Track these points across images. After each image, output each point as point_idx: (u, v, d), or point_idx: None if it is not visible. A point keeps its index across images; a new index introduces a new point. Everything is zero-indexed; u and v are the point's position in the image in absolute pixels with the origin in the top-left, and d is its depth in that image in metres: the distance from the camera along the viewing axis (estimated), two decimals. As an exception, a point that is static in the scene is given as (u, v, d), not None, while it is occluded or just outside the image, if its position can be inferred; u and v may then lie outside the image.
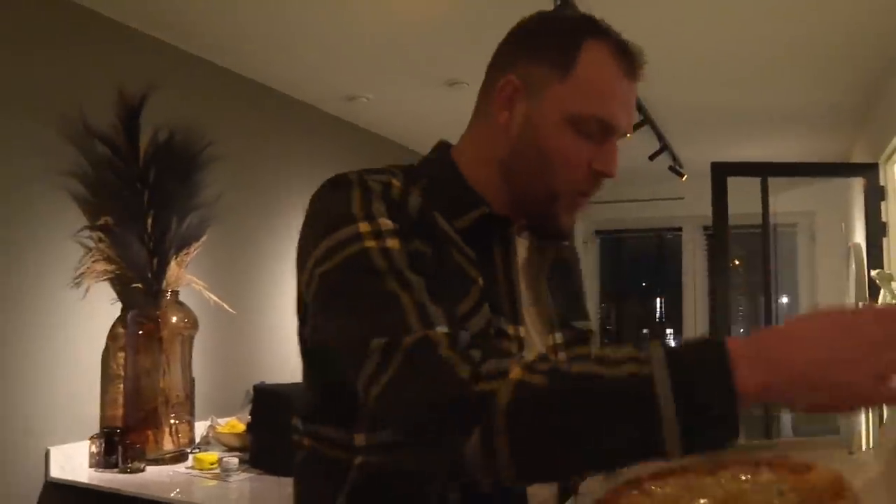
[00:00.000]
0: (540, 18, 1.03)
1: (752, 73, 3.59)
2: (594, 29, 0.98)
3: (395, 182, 0.93)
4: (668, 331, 7.04)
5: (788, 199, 5.27)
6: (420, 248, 0.87)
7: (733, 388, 0.64)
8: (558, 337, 1.03)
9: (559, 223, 1.00)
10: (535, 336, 1.00)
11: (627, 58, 0.98)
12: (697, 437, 0.66)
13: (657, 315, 7.19)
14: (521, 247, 1.04)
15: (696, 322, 6.39)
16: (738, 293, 6.54)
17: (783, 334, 0.67)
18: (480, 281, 0.92)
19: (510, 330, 0.94)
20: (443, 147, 1.07)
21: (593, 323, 1.14)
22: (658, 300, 7.14)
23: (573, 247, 1.21)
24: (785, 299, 6.35)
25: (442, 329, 0.78)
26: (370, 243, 0.84)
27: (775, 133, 4.77)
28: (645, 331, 7.30)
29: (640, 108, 3.97)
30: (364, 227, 0.86)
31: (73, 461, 2.69)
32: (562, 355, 1.02)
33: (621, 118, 0.97)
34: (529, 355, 0.81)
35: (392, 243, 0.85)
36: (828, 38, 3.15)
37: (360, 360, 0.79)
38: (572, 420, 0.70)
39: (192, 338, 2.94)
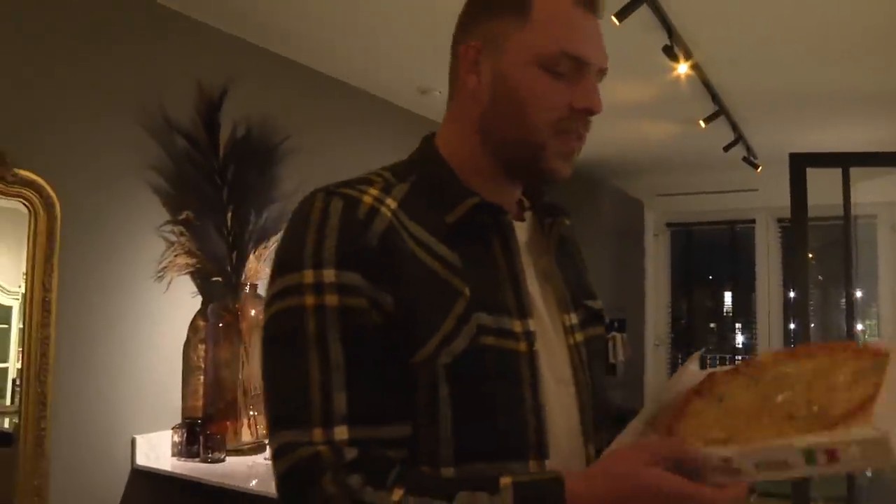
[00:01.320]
0: None
1: (831, 54, 3.46)
2: None
3: (368, 197, 0.91)
4: (737, 325, 6.89)
5: (868, 189, 5.08)
6: (354, 303, 0.86)
7: None
8: (573, 317, 1.02)
9: (551, 168, 0.97)
10: (548, 322, 0.99)
11: None
12: None
13: (724, 309, 7.04)
14: (521, 231, 1.02)
15: (769, 315, 6.23)
16: (811, 287, 6.36)
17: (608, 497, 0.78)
18: (467, 291, 0.90)
19: (517, 327, 0.92)
20: (428, 139, 1.07)
21: (600, 302, 1.12)
22: (727, 293, 6.99)
23: (571, 225, 1.18)
24: (859, 293, 6.14)
25: (339, 435, 0.82)
26: (308, 300, 0.85)
27: (855, 118, 4.58)
28: (712, 325, 7.16)
29: (715, 98, 3.89)
30: (308, 276, 0.86)
31: (157, 450, 2.76)
32: (578, 336, 1.01)
33: (589, 50, 0.95)
34: (540, 345, 0.93)
35: (330, 300, 0.85)
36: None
37: (269, 436, 0.87)
38: None
39: (270, 332, 2.98)
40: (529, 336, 0.94)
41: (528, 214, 1.07)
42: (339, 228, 0.88)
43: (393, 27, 3.11)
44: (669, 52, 3.00)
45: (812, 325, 6.33)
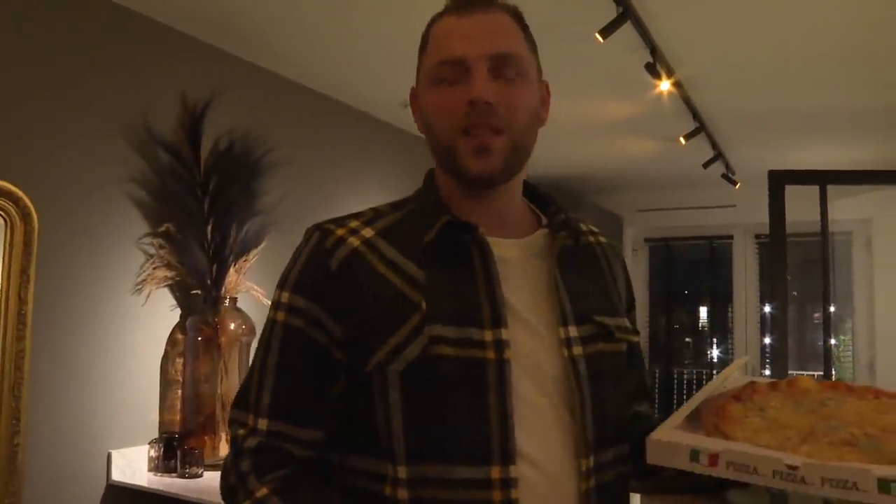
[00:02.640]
0: None
1: (810, 75, 3.52)
2: (446, 7, 1.08)
3: (342, 229, 1.05)
4: (713, 339, 6.92)
5: (843, 206, 5.14)
6: (298, 324, 1.02)
7: None
8: (573, 330, 1.02)
9: (465, 167, 1.02)
10: (537, 332, 1.01)
11: (460, 4, 1.05)
12: None
13: (700, 324, 7.08)
14: (512, 248, 1.05)
15: (746, 331, 6.29)
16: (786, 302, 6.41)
17: None
18: (423, 305, 0.97)
19: (487, 336, 0.96)
20: (430, 173, 1.15)
21: (625, 321, 1.13)
22: (702, 309, 7.04)
23: (612, 244, 1.21)
24: (832, 308, 6.21)
25: (261, 425, 1.01)
26: (276, 314, 1.05)
27: (833, 137, 4.66)
28: (688, 340, 7.19)
29: (696, 116, 3.93)
30: (276, 295, 1.06)
31: (134, 465, 2.72)
32: (577, 349, 1.02)
33: (462, 47, 1.01)
34: (517, 353, 0.97)
35: (280, 316, 1.04)
36: (890, 40, 3.07)
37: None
38: None
39: (249, 344, 2.96)
40: (500, 344, 0.96)
41: (540, 232, 1.10)
42: (306, 258, 1.05)
43: (375, 42, 3.11)
44: (652, 70, 3.03)
45: (790, 340, 6.40)
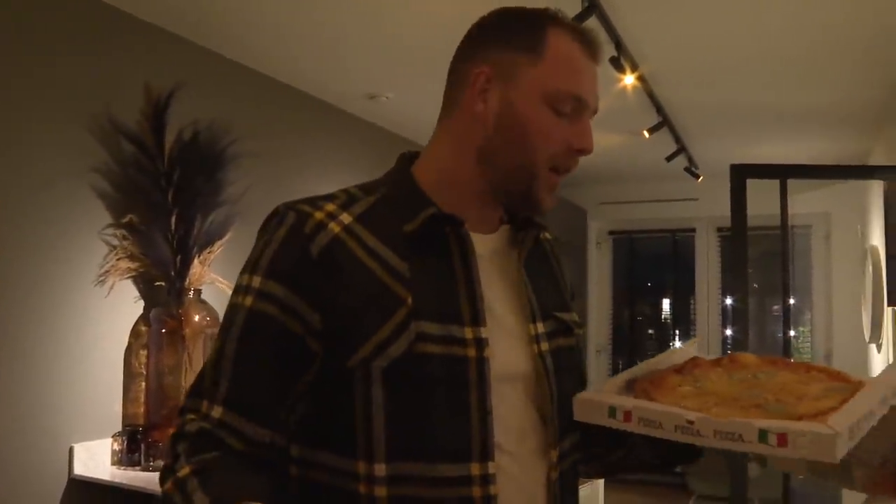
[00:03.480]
0: (501, 12, 1.07)
1: (770, 73, 3.59)
2: (554, 17, 1.05)
3: (321, 213, 0.99)
4: (676, 331, 7.03)
5: (803, 200, 5.24)
6: (270, 311, 0.96)
7: None
8: (540, 327, 1.05)
9: (539, 199, 1.03)
10: (511, 330, 1.03)
11: (587, 41, 1.04)
12: None
13: (663, 315, 7.17)
14: (487, 242, 1.06)
15: (708, 322, 6.39)
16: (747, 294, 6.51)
17: None
18: (410, 300, 0.95)
19: (468, 334, 0.97)
20: (404, 158, 1.12)
21: (575, 316, 1.16)
22: (665, 301, 7.13)
23: (557, 239, 1.23)
24: (792, 301, 6.31)
25: (215, 413, 0.94)
26: (239, 298, 0.98)
27: (793, 133, 4.76)
28: (650, 332, 7.29)
29: (659, 110, 3.98)
30: (245, 279, 0.99)
31: (97, 458, 2.70)
32: (544, 345, 1.04)
33: (591, 95, 1.03)
34: (493, 351, 0.97)
35: (250, 302, 0.97)
36: (849, 38, 3.14)
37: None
38: None
39: (213, 336, 2.94)
40: (480, 343, 0.97)
41: (503, 228, 1.10)
42: (282, 241, 0.98)
43: (343, 34, 3.10)
44: (616, 64, 3.06)
45: (750, 332, 6.51)
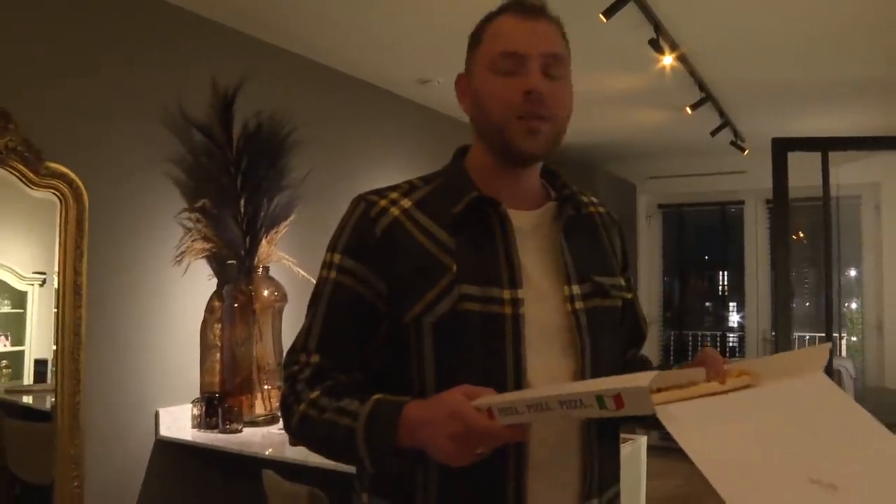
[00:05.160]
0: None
1: (813, 46, 3.64)
2: (501, 8, 1.22)
3: (385, 200, 1.21)
4: (732, 304, 7.05)
5: (852, 170, 5.26)
6: (347, 281, 1.19)
7: (392, 443, 1.04)
8: (575, 289, 1.20)
9: (517, 145, 1.17)
10: (545, 291, 1.19)
11: (521, 8, 1.20)
12: (379, 464, 1.08)
13: (720, 289, 7.19)
14: (528, 218, 1.22)
15: (757, 295, 6.43)
16: (804, 266, 6.52)
17: (422, 421, 1.02)
18: (454, 268, 1.14)
19: (506, 295, 1.14)
20: (458, 151, 1.31)
21: (620, 280, 1.30)
22: (721, 274, 7.16)
23: (609, 213, 1.39)
24: (853, 272, 6.30)
25: (313, 359, 1.18)
26: (324, 272, 1.21)
27: (838, 105, 4.76)
28: (708, 304, 7.33)
29: (702, 87, 4.07)
30: (328, 256, 1.22)
31: (179, 422, 2.97)
32: (579, 304, 1.19)
33: (522, 44, 1.17)
34: (529, 309, 1.15)
35: (333, 275, 1.20)
36: (891, 11, 3.18)
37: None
38: (318, 446, 1.18)
39: (281, 310, 3.19)
40: (517, 302, 1.14)
41: (549, 205, 1.27)
42: (354, 225, 1.21)
43: (394, 22, 3.29)
44: (655, 46, 3.18)
45: (808, 304, 6.51)
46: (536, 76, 1.16)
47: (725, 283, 7.10)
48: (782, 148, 4.00)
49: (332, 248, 1.22)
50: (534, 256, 1.20)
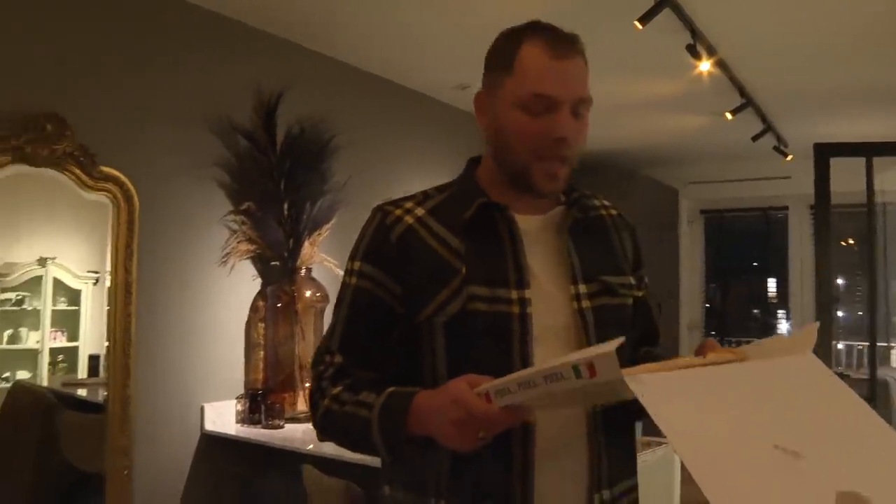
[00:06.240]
0: (498, 37, 1.29)
1: (857, 49, 3.61)
2: (531, 31, 1.24)
3: (400, 210, 1.28)
4: (780, 311, 6.94)
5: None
6: (367, 286, 1.26)
7: (404, 432, 1.12)
8: (582, 288, 1.25)
9: (537, 185, 1.23)
10: (554, 289, 1.24)
11: (555, 43, 1.22)
12: (393, 452, 1.16)
13: (769, 295, 7.06)
14: (534, 222, 1.28)
15: (802, 302, 6.35)
16: (857, 274, 6.39)
17: (429, 409, 1.09)
18: (464, 270, 1.20)
19: (513, 295, 1.20)
20: (470, 161, 1.38)
21: (629, 279, 1.34)
22: (771, 280, 7.05)
23: (622, 215, 1.43)
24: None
25: (336, 358, 1.27)
26: (346, 279, 1.30)
27: (884, 109, 4.71)
28: (756, 311, 7.23)
29: (742, 92, 4.07)
30: (349, 264, 1.30)
31: (223, 417, 3.08)
32: (585, 303, 1.24)
33: (557, 89, 1.20)
34: (536, 308, 1.20)
35: (354, 281, 1.28)
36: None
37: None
38: (340, 437, 1.25)
39: (323, 310, 3.28)
40: (524, 302, 1.20)
41: (558, 209, 1.32)
42: (371, 234, 1.29)
43: (433, 28, 3.36)
44: (693, 51, 3.20)
45: (860, 313, 6.39)
46: (568, 122, 1.20)
47: (771, 289, 7.01)
48: (824, 154, 3.97)
49: (352, 257, 1.30)
50: (541, 258, 1.26)
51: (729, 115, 4.18)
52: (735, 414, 0.93)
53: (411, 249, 1.24)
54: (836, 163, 4.00)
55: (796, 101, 4.47)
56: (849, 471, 0.92)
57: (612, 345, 0.88)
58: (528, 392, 0.97)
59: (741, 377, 1.02)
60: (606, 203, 1.43)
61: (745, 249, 7.27)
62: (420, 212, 1.28)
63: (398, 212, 1.28)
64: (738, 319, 7.21)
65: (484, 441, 1.05)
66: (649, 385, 0.90)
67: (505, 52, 1.25)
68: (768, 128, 4.74)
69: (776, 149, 5.15)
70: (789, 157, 5.31)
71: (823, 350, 3.85)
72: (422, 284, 1.22)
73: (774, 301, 6.98)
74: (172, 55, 2.96)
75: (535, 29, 1.25)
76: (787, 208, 6.46)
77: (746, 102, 4.16)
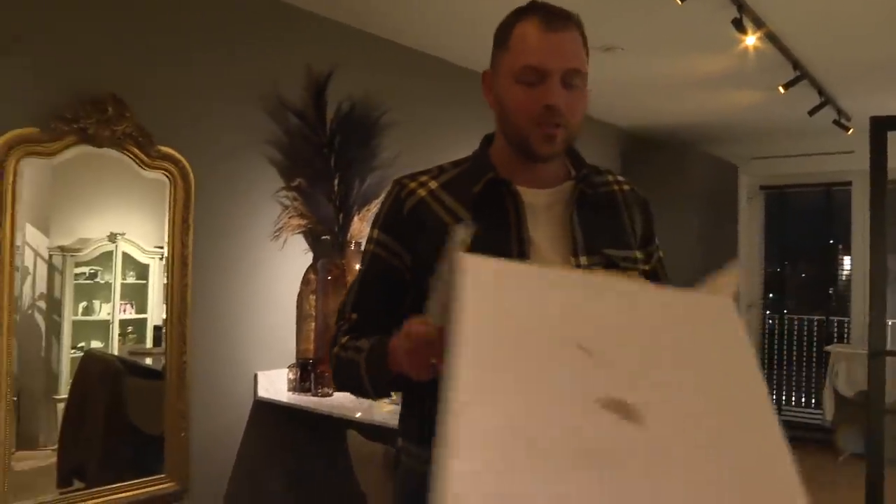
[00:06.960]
0: (502, 20, 1.37)
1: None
2: (528, 9, 1.32)
3: (414, 183, 1.38)
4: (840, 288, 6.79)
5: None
6: (381, 253, 1.38)
7: (385, 371, 1.23)
8: (583, 260, 1.31)
9: (535, 149, 1.31)
10: (554, 260, 1.31)
11: (548, 18, 1.29)
12: (379, 391, 1.31)
13: (842, 273, 6.87)
14: (540, 197, 1.35)
15: (864, 280, 6.21)
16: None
17: (394, 347, 1.19)
18: (468, 241, 1.29)
19: None
20: (485, 138, 1.46)
21: (634, 254, 1.40)
22: (828, 257, 6.90)
23: (635, 190, 1.49)
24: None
25: (352, 314, 1.40)
26: (365, 245, 1.42)
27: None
28: (830, 290, 7.05)
29: (797, 65, 4.00)
30: (369, 232, 1.42)
31: (275, 385, 3.22)
32: None
33: (544, 60, 1.27)
34: None
35: (371, 248, 1.40)
36: None
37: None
38: (345, 381, 1.38)
39: (371, 283, 3.37)
40: None
41: (566, 184, 1.39)
42: (389, 205, 1.39)
43: (480, 5, 3.40)
44: (738, 25, 3.18)
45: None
46: (556, 90, 1.27)
47: (837, 267, 6.85)
48: (881, 127, 3.88)
49: (373, 225, 1.42)
50: (544, 231, 1.33)
51: (781, 89, 4.11)
52: (554, 313, 0.90)
53: (422, 221, 1.34)
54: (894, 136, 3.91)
55: (854, 73, 4.37)
56: (648, 389, 0.83)
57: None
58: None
59: (602, 290, 1.01)
60: (620, 178, 1.48)
61: (806, 226, 7.12)
62: (433, 185, 1.37)
63: (413, 185, 1.38)
64: (800, 297, 7.08)
65: (438, 367, 1.08)
66: (473, 273, 0.94)
67: (503, 30, 1.34)
68: (826, 101, 4.64)
69: (836, 122, 5.04)
70: (850, 131, 5.19)
71: (878, 330, 3.79)
72: (430, 255, 1.27)
73: (839, 279, 6.81)
74: (226, 37, 3.08)
75: (532, 7, 1.32)
76: (850, 184, 6.31)
77: (801, 75, 4.09)
